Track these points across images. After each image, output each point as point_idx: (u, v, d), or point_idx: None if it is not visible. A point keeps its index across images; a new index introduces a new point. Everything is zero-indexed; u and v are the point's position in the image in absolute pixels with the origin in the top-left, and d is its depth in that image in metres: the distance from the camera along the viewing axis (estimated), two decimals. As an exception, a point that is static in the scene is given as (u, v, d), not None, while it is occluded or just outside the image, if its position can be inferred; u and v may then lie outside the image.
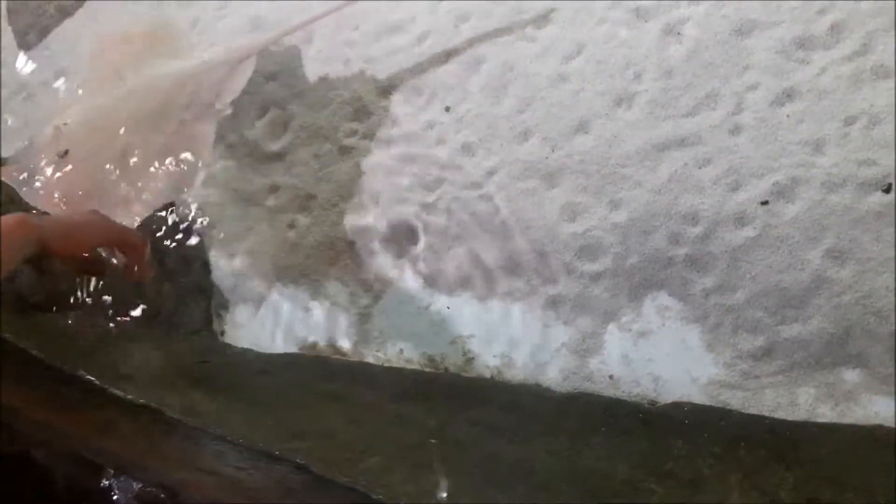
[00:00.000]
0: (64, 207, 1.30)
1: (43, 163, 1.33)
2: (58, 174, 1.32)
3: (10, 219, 0.94)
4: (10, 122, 1.73)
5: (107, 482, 0.85)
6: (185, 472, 0.90)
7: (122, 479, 0.84)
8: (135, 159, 1.32)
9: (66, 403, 1.02)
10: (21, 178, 1.32)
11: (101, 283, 1.37)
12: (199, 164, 1.36)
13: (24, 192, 1.32)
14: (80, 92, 1.46)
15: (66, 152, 1.32)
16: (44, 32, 1.76)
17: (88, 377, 1.05)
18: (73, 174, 1.32)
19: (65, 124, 1.36)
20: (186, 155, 1.36)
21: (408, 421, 1.11)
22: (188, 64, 1.42)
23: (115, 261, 1.18)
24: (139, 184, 1.32)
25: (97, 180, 1.31)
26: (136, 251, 1.12)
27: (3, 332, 1.18)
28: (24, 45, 1.81)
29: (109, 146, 1.33)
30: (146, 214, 1.33)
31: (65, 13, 1.77)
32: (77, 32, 1.73)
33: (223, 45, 1.48)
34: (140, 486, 0.85)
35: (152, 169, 1.33)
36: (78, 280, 1.37)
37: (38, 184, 1.31)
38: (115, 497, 0.85)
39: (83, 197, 1.30)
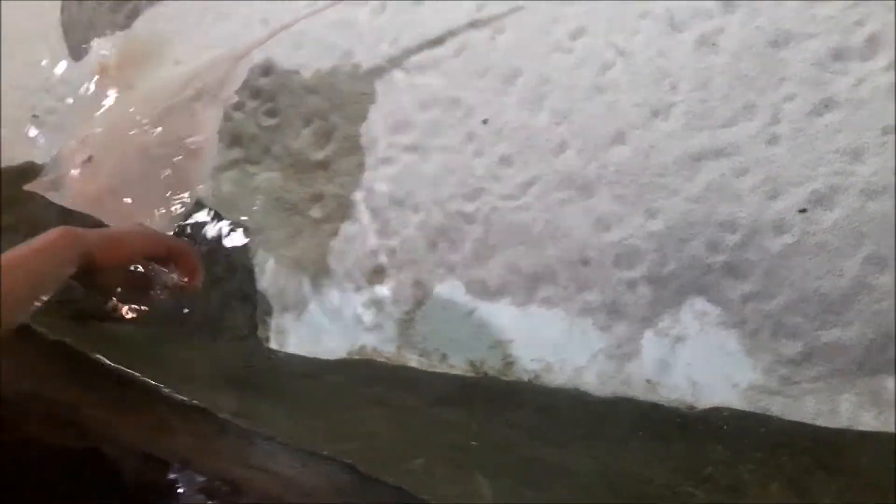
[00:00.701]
0: (93, 206, 1.36)
1: (70, 170, 1.39)
2: (85, 179, 1.38)
3: (54, 231, 0.95)
4: (58, 132, 1.81)
5: (172, 476, 0.89)
6: (239, 470, 0.93)
7: (186, 472, 0.88)
8: (155, 153, 1.38)
9: (123, 404, 1.05)
10: (51, 187, 1.39)
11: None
12: (210, 149, 1.42)
13: (55, 199, 1.38)
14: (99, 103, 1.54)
15: (90, 157, 1.38)
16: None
17: (144, 379, 1.09)
18: (98, 176, 1.38)
19: (87, 134, 1.44)
20: (199, 142, 1.41)
21: (449, 424, 1.13)
22: (194, 63, 1.50)
23: (164, 277, 1.17)
24: (162, 175, 1.38)
25: (122, 178, 1.37)
26: (187, 259, 1.07)
27: (62, 337, 1.21)
28: (76, 58, 1.88)
29: (130, 145, 1.39)
30: (177, 206, 1.37)
31: (115, 29, 1.84)
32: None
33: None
34: (204, 479, 0.88)
35: (172, 159, 1.39)
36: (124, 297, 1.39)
37: (67, 190, 1.38)
38: (180, 490, 0.89)
39: (111, 194, 1.36)
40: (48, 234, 0.95)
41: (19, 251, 0.92)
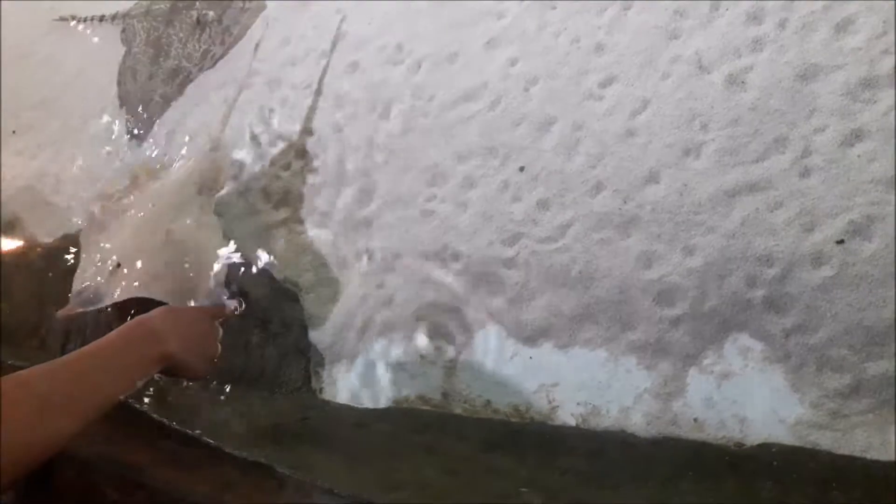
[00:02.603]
0: (139, 292, 1.45)
1: (102, 282, 1.48)
2: (121, 280, 1.47)
3: (150, 349, 1.11)
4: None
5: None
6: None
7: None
8: (179, 239, 1.47)
9: (186, 462, 1.11)
10: (88, 302, 1.49)
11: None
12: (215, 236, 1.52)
13: (95, 307, 1.48)
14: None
15: (119, 265, 1.47)
16: (150, 119, 1.95)
17: (204, 438, 1.14)
18: (133, 274, 1.47)
19: (104, 248, 1.54)
20: (212, 222, 1.55)
21: (499, 470, 1.15)
22: (184, 165, 1.64)
23: None
24: (192, 256, 1.47)
25: (156, 268, 1.46)
26: None
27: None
28: (132, 130, 1.99)
29: (154, 241, 1.48)
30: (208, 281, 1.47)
31: (167, 100, 1.95)
32: (180, 118, 1.91)
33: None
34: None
35: (195, 241, 1.49)
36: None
37: (106, 296, 1.47)
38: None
39: (147, 285, 1.46)
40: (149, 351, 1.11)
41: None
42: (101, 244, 1.57)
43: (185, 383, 1.41)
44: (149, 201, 1.59)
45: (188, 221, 1.52)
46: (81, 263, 1.59)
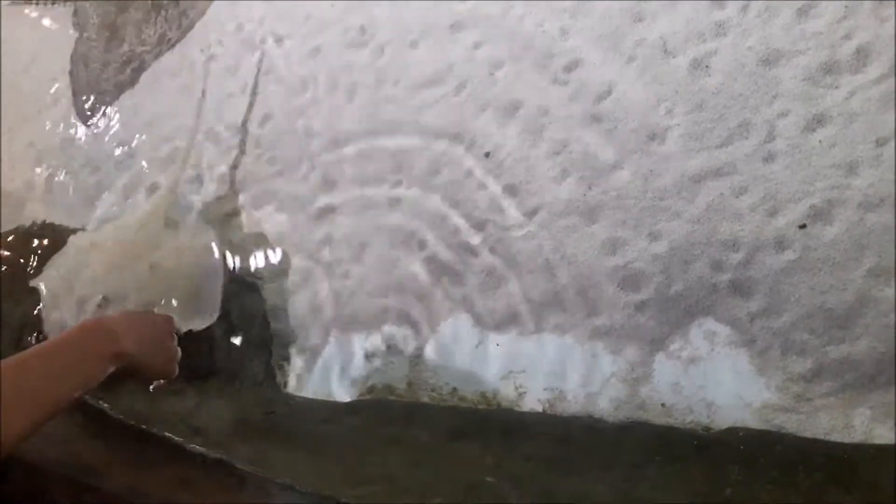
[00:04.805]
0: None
1: (84, 316, 1.45)
2: (109, 312, 1.43)
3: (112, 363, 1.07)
4: (74, 192, 1.86)
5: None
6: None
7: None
8: (165, 268, 1.45)
9: (143, 462, 1.08)
10: None
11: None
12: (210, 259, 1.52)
13: None
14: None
15: (104, 297, 1.44)
16: (104, 108, 1.89)
17: (164, 435, 1.11)
18: (124, 306, 1.44)
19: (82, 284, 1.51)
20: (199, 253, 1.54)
21: (465, 459, 1.14)
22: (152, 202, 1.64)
23: None
24: (183, 282, 1.46)
25: (149, 296, 1.44)
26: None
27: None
28: (85, 119, 1.93)
29: (138, 269, 1.45)
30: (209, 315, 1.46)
31: (121, 88, 1.89)
32: (133, 106, 1.86)
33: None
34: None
35: (179, 263, 1.48)
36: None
37: None
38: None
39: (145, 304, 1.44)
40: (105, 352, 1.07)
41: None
42: (68, 281, 1.53)
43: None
44: (113, 239, 1.56)
45: (170, 250, 1.49)
46: (46, 299, 1.55)
